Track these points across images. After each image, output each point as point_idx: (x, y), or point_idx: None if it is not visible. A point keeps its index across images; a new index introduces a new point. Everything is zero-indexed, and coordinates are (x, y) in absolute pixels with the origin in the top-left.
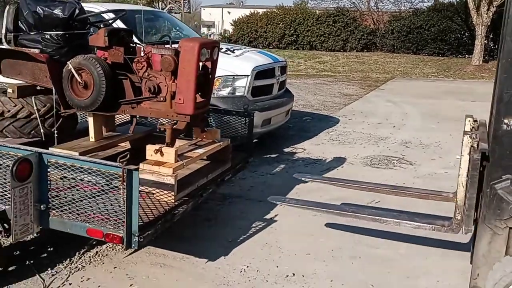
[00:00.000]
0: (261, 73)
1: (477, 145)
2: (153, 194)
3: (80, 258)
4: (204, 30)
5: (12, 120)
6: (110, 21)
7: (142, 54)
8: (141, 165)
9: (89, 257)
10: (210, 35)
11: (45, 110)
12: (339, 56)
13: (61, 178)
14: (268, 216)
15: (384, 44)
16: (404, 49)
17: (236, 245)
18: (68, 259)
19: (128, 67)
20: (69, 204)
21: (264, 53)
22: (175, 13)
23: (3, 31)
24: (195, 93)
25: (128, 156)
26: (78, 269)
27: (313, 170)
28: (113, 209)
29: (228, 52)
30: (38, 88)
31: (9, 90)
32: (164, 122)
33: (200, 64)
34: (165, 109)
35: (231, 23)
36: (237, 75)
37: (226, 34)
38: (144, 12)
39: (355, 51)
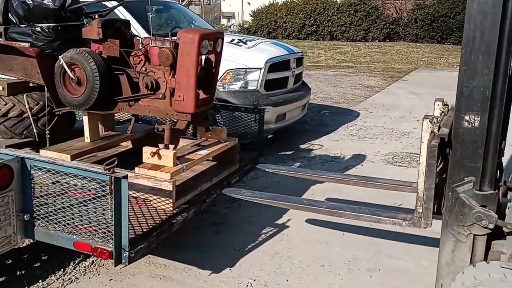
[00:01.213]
0: (275, 65)
1: (438, 130)
2: (150, 201)
3: (74, 269)
4: (224, 21)
5: (2, 119)
6: (106, 12)
7: (140, 47)
8: (136, 169)
9: (85, 267)
10: (229, 27)
11: (37, 108)
12: (361, 46)
13: (53, 183)
14: (279, 221)
15: (407, 33)
16: (428, 38)
17: (243, 255)
18: (62, 270)
19: (125, 62)
20: (55, 214)
21: (278, 44)
22: (195, 4)
23: None
24: (195, 90)
25: (116, 162)
26: (72, 281)
27: (330, 168)
28: (102, 220)
29: (240, 43)
30: (31, 85)
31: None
32: (166, 121)
33: (203, 57)
34: (164, 107)
35: (250, 14)
36: (249, 68)
37: (245, 25)
38: (154, 3)
39: (377, 41)
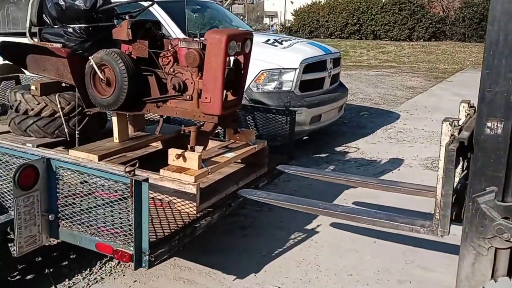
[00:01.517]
0: (310, 66)
1: (458, 133)
2: (174, 204)
3: (101, 268)
4: (266, 20)
5: (35, 119)
6: (137, 12)
7: (169, 48)
8: (161, 171)
9: (110, 267)
10: (271, 26)
11: (69, 108)
12: (405, 46)
13: (81, 183)
14: (309, 226)
15: (454, 32)
16: (476, 38)
17: (269, 260)
18: (89, 269)
19: (154, 62)
20: (78, 215)
21: (315, 44)
22: (238, 4)
23: (27, 24)
24: (222, 91)
25: (137, 164)
26: (97, 281)
27: (365, 172)
28: (123, 222)
29: (276, 43)
30: (63, 85)
31: (32, 87)
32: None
33: (232, 58)
34: (191, 108)
35: (292, 13)
36: (284, 68)
37: (287, 25)
38: (191, 2)
39: (422, 40)
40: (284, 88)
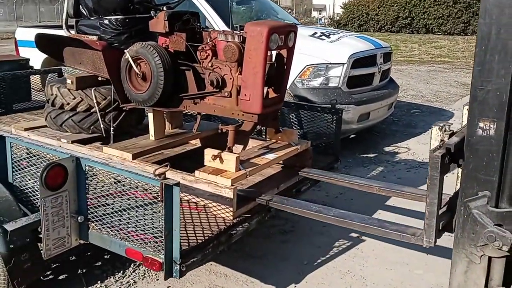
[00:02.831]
0: (359, 60)
1: (449, 139)
2: (210, 208)
3: (134, 271)
4: (314, 14)
5: (71, 113)
6: (175, 4)
7: (208, 41)
8: (196, 173)
9: (144, 271)
10: (320, 19)
11: (105, 103)
12: (459, 40)
13: (115, 182)
14: (354, 234)
15: None
16: None
17: (311, 270)
18: (122, 272)
19: (192, 56)
20: (109, 217)
21: (364, 38)
22: None
23: (64, 16)
24: (263, 88)
25: (169, 166)
26: (129, 285)
27: (416, 176)
28: (154, 228)
29: (323, 37)
30: (100, 79)
31: (68, 81)
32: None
33: (273, 53)
34: (230, 106)
35: (341, 6)
36: (331, 63)
37: (335, 18)
38: None
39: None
40: (330, 84)
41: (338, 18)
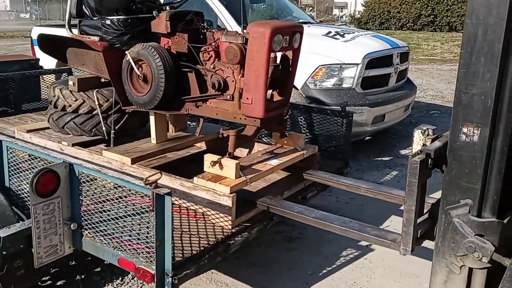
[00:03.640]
0: (374, 61)
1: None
2: (208, 216)
3: (133, 278)
4: (336, 11)
5: (72, 115)
6: (178, 3)
7: (211, 42)
8: (195, 179)
9: None
10: (341, 17)
11: (107, 105)
12: None
13: (115, 187)
14: (363, 243)
15: None
16: None
17: (316, 281)
18: (120, 278)
19: (194, 58)
20: (101, 225)
21: (380, 37)
22: None
23: (67, 16)
24: (265, 92)
25: (161, 176)
26: None
27: (433, 181)
28: (146, 238)
29: (337, 36)
30: (103, 80)
31: (70, 83)
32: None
33: (279, 54)
34: (232, 109)
35: (362, 4)
36: (344, 63)
37: (356, 16)
38: None
39: None
40: (344, 85)
41: (359, 16)
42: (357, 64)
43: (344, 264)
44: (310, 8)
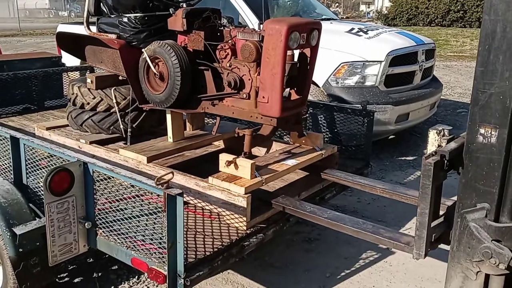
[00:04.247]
0: (398, 58)
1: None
2: (223, 216)
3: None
4: (362, 7)
5: (91, 113)
6: (194, 1)
7: (228, 40)
8: (209, 179)
9: None
10: (368, 13)
11: (125, 103)
12: None
13: (132, 186)
14: (384, 245)
15: None
16: None
17: (334, 283)
18: (136, 277)
19: (211, 56)
20: (115, 225)
21: (405, 33)
22: None
23: (85, 14)
24: (282, 91)
25: (172, 176)
26: None
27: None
28: (159, 238)
29: (360, 33)
30: (120, 78)
31: (88, 81)
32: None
33: (296, 52)
34: (248, 108)
35: (389, 0)
36: (367, 61)
37: (384, 11)
38: None
39: None
40: (367, 83)
41: (386, 11)
42: (381, 62)
43: (363, 267)
44: (337, 4)
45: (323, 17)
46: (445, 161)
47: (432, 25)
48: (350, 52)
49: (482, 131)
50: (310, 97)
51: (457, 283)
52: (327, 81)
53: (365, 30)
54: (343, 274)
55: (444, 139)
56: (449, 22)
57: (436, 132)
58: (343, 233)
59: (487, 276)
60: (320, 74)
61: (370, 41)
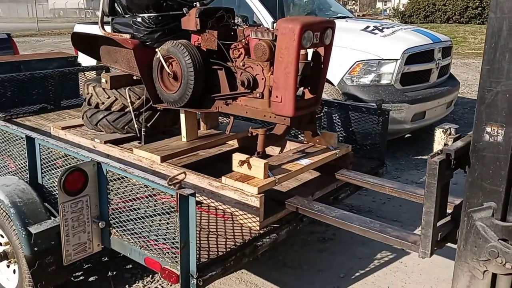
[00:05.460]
0: (414, 56)
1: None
2: (236, 216)
3: None
4: (379, 4)
5: (105, 113)
6: (208, 0)
7: (241, 39)
8: (223, 179)
9: None
10: (384, 10)
11: (139, 103)
12: None
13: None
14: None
15: None
16: None
17: (348, 284)
18: (151, 276)
19: (224, 55)
20: (129, 224)
21: (421, 31)
22: None
23: (100, 14)
24: (295, 90)
25: (185, 176)
26: None
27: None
28: (172, 238)
29: (376, 31)
30: (135, 78)
31: (103, 80)
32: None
33: (310, 51)
34: (262, 108)
35: None
36: (383, 59)
37: (400, 9)
38: None
39: None
40: (382, 81)
41: (403, 9)
42: (396, 60)
43: (378, 268)
44: (353, 1)
45: (338, 15)
46: (451, 160)
47: (449, 22)
48: (365, 51)
49: (488, 129)
50: (325, 96)
51: (464, 282)
52: (342, 80)
53: (381, 28)
54: (357, 274)
55: (450, 137)
56: (467, 19)
57: (443, 131)
58: (357, 234)
59: (494, 276)
60: (335, 72)
61: (385, 39)
